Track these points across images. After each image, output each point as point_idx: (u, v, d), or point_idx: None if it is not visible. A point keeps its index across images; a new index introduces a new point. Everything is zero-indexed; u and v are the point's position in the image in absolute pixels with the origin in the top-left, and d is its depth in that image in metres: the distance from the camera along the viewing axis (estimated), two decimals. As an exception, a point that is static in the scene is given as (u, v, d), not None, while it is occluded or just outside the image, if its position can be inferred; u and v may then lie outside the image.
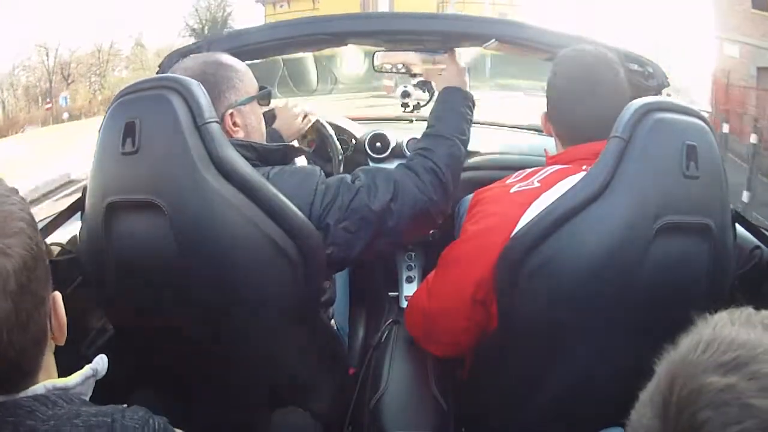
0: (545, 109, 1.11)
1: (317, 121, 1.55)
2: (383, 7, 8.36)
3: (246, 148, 0.98)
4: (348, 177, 1.03)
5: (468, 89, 1.22)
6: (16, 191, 0.58)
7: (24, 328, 0.53)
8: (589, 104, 1.03)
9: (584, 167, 0.97)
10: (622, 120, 0.90)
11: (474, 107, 1.19)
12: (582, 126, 1.04)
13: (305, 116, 1.39)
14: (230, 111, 1.03)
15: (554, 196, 0.93)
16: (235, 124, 1.03)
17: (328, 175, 1.03)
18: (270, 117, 1.41)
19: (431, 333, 1.14)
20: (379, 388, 1.28)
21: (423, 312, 1.13)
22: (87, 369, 0.62)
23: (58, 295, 0.60)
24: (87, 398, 0.61)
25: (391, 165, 1.72)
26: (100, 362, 0.64)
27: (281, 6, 8.59)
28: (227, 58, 1.06)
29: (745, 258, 1.10)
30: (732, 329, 0.44)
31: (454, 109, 1.16)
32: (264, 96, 1.10)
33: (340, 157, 1.57)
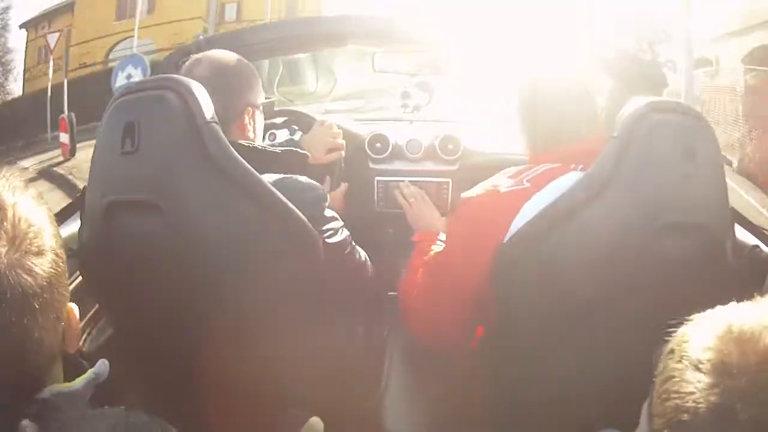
0: (519, 112, 1.11)
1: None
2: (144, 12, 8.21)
3: (249, 150, 0.99)
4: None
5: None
6: (42, 198, 0.58)
7: (41, 344, 0.53)
8: (561, 107, 1.04)
9: (573, 166, 0.96)
10: (621, 120, 0.90)
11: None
12: (557, 129, 1.04)
13: (334, 150, 1.39)
14: (249, 108, 1.07)
15: (546, 196, 0.92)
16: (249, 122, 1.07)
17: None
18: (305, 125, 1.42)
19: (428, 332, 1.14)
20: (379, 388, 1.28)
21: (420, 314, 1.13)
22: (90, 373, 0.62)
23: (73, 306, 0.59)
24: (86, 399, 0.60)
25: (392, 166, 1.73)
26: (102, 366, 0.64)
27: (42, 27, 8.28)
28: (245, 60, 1.10)
29: (744, 257, 1.10)
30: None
31: None
32: (268, 105, 1.15)
33: (342, 162, 1.57)
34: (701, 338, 0.50)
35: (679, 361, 0.49)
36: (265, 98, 1.13)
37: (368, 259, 1.19)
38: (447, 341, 1.12)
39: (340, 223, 1.07)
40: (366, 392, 1.28)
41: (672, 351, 0.51)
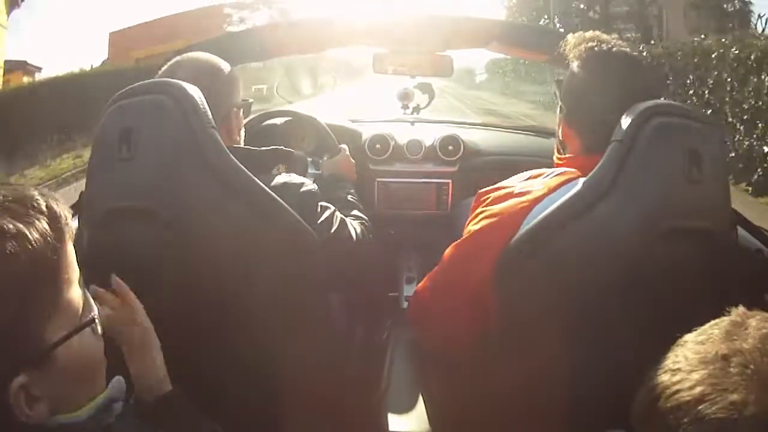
0: (562, 114, 1.06)
1: (318, 122, 1.55)
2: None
3: (241, 153, 0.99)
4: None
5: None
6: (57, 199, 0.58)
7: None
8: (612, 102, 0.96)
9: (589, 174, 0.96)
10: (624, 124, 0.89)
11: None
12: (604, 127, 0.96)
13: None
14: (234, 109, 1.07)
15: (558, 199, 0.92)
16: (235, 124, 1.07)
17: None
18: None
19: (431, 329, 1.14)
20: (379, 388, 1.28)
21: (424, 308, 1.13)
22: (99, 399, 0.59)
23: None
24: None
25: (392, 167, 1.73)
26: (117, 386, 0.61)
27: None
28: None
29: (747, 260, 1.09)
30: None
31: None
32: (246, 106, 1.15)
33: (329, 130, 1.57)
34: (717, 390, 0.49)
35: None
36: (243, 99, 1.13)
37: (366, 230, 1.19)
38: (446, 335, 1.11)
39: (332, 209, 1.09)
40: (366, 392, 1.28)
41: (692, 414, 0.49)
